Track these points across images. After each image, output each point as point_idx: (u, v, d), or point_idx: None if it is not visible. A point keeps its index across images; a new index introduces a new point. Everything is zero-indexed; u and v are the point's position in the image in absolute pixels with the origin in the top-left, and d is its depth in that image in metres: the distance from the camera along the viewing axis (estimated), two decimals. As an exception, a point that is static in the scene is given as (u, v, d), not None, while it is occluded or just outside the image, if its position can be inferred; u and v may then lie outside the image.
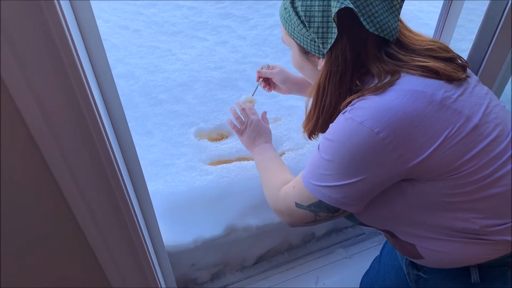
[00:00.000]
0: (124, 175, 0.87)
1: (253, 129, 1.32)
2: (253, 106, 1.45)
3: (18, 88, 0.61)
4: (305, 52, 0.94)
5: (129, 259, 0.96)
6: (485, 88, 0.90)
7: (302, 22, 0.88)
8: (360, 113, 0.79)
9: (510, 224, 0.83)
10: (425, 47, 0.88)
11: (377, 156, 0.78)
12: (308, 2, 0.85)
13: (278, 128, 1.83)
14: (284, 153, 1.69)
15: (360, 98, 0.83)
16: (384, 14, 0.84)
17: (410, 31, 0.92)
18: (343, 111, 0.84)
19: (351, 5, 0.79)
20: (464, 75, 0.86)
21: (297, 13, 0.88)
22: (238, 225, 1.52)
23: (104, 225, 0.85)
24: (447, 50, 0.91)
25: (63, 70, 0.62)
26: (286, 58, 2.39)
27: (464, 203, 0.82)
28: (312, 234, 1.78)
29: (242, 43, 2.51)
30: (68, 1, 0.70)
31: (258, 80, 1.42)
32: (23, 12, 0.55)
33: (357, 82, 0.88)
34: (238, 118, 1.36)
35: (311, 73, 0.99)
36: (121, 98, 2.04)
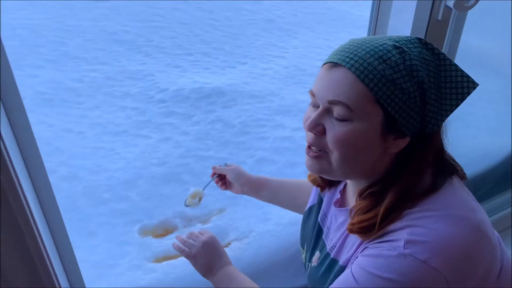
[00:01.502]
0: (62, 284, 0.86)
1: (208, 251, 1.15)
2: (200, 199, 1.42)
3: None
4: (390, 128, 0.76)
5: None
6: None
7: (422, 98, 0.74)
8: (421, 249, 0.70)
9: None
10: None
11: None
12: (436, 77, 0.76)
13: (223, 219, 1.85)
14: (230, 243, 1.70)
15: (412, 214, 0.75)
16: None
17: None
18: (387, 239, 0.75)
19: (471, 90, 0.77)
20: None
21: (420, 86, 0.74)
22: (186, 323, 1.47)
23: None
24: None
25: None
26: (228, 150, 2.47)
27: None
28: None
29: (186, 138, 2.59)
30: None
31: (212, 176, 1.38)
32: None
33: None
34: (185, 241, 1.22)
35: (366, 157, 0.80)
36: (64, 200, 2.03)
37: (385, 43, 0.75)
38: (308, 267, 1.02)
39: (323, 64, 0.81)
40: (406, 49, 0.75)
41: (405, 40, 0.77)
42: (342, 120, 0.75)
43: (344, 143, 0.76)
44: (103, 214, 1.90)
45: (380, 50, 0.74)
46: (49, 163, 2.26)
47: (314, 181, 1.05)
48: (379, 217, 0.76)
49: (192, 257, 1.16)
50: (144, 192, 2.05)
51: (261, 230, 1.75)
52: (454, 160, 0.88)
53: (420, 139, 0.78)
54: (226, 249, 1.54)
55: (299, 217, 1.21)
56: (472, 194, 0.86)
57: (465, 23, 1.21)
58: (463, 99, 0.77)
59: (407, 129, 0.75)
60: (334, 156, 0.79)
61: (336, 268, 0.87)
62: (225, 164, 1.38)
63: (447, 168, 0.83)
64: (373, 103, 0.73)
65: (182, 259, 1.60)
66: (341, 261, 0.86)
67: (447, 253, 0.70)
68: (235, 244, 1.68)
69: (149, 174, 2.19)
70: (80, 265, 1.56)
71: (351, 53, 0.76)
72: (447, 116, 0.78)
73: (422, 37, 1.10)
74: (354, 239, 0.83)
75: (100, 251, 1.67)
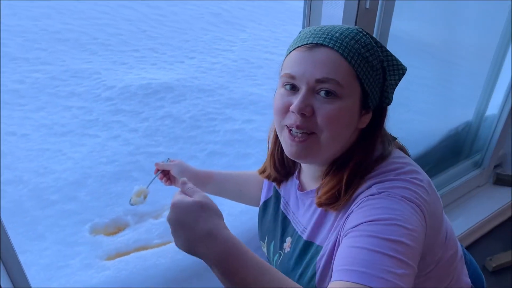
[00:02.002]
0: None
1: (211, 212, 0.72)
2: (146, 197, 1.39)
3: None
4: (363, 104, 0.81)
5: None
6: None
7: (386, 71, 0.82)
8: (394, 191, 0.75)
9: None
10: None
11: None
12: (392, 61, 0.84)
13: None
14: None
15: (375, 178, 0.79)
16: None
17: None
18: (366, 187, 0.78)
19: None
20: None
21: (382, 62, 0.81)
22: (141, 317, 1.48)
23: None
24: None
25: None
26: (178, 146, 2.47)
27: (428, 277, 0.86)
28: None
29: (134, 135, 2.56)
30: None
31: (155, 172, 1.32)
32: None
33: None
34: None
35: (347, 134, 0.83)
36: (8, 205, 1.97)
37: (349, 28, 0.81)
38: (278, 257, 1.02)
39: (297, 47, 0.81)
40: (366, 33, 0.81)
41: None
42: (331, 98, 0.77)
43: (336, 120, 0.78)
44: (51, 216, 1.86)
45: (351, 32, 0.79)
46: (-9, 167, 2.20)
47: (269, 177, 1.06)
48: (343, 183, 0.80)
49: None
50: (93, 191, 2.02)
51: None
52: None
53: (378, 113, 0.83)
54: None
55: (250, 207, 1.24)
56: None
57: (394, 10, 1.27)
58: (399, 79, 0.84)
59: (373, 104, 0.81)
60: (324, 136, 0.79)
61: (313, 249, 0.88)
62: (168, 159, 1.36)
63: (389, 137, 0.88)
64: (355, 79, 0.77)
65: (135, 254, 1.61)
66: (318, 241, 0.87)
67: (417, 189, 0.75)
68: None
69: (98, 173, 2.16)
70: (30, 268, 1.54)
71: (328, 35, 0.78)
72: (393, 93, 0.84)
73: (353, 25, 1.15)
74: (327, 218, 0.86)
75: (50, 253, 1.64)
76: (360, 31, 0.80)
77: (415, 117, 2.15)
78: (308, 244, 0.89)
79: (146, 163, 2.25)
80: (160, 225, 1.74)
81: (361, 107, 0.80)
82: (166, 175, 1.31)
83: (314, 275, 0.84)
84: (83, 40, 4.19)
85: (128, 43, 4.18)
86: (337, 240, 0.79)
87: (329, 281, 0.71)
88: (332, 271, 0.72)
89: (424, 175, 0.82)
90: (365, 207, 0.74)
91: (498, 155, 2.32)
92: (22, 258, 0.98)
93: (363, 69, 0.77)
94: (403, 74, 0.83)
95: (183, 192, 0.75)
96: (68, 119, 2.79)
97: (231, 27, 4.79)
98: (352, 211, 0.77)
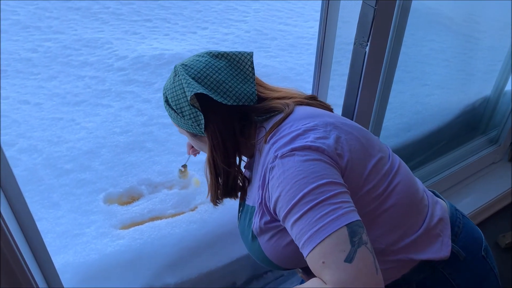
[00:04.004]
0: (26, 257, 0.85)
1: None
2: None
3: None
4: (194, 135, 1.04)
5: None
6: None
7: (178, 114, 0.99)
8: (286, 145, 0.87)
9: (409, 241, 0.92)
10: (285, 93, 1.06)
11: (320, 158, 0.84)
12: (175, 97, 0.98)
13: (189, 184, 1.87)
14: (196, 207, 1.72)
15: (268, 144, 0.93)
16: (238, 86, 0.97)
17: (266, 87, 1.07)
18: (266, 164, 0.90)
19: (200, 90, 0.92)
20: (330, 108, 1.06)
21: (172, 108, 1.00)
22: (155, 286, 1.50)
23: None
24: (303, 93, 1.10)
25: None
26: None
27: (370, 222, 0.89)
28: (233, 283, 1.79)
29: (147, 106, 2.55)
30: None
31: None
32: None
33: (244, 138, 1.01)
34: None
35: (205, 149, 1.06)
36: (24, 173, 1.99)
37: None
38: (239, 225, 1.11)
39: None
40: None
41: None
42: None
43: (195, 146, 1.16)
44: (66, 184, 1.87)
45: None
46: (7, 136, 2.21)
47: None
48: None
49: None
50: (107, 161, 2.02)
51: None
52: None
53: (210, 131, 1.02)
54: (192, 213, 1.57)
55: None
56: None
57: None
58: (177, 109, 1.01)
59: (197, 132, 1.03)
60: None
61: (250, 210, 1.01)
62: None
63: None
64: (178, 126, 1.09)
65: (149, 224, 1.62)
66: (251, 203, 1.02)
67: (305, 138, 0.87)
68: (202, 207, 1.70)
69: (111, 143, 2.16)
70: (46, 236, 1.56)
71: None
72: (200, 115, 0.98)
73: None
74: (254, 179, 1.01)
75: (65, 221, 1.66)
76: (164, 88, 1.03)
77: (432, 91, 2.11)
78: (246, 208, 1.04)
79: (159, 134, 2.25)
80: (174, 195, 1.75)
81: (193, 137, 1.05)
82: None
83: (252, 233, 0.98)
84: (94, 8, 4.15)
85: (140, 13, 4.13)
86: (262, 197, 0.91)
87: (264, 236, 0.94)
88: (263, 225, 0.92)
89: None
90: (274, 182, 0.85)
91: (515, 131, 2.29)
92: (38, 226, 0.99)
93: (173, 120, 1.04)
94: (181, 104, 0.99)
95: None
96: (81, 89, 2.79)
97: (244, -3, 4.70)
98: (267, 177, 0.88)
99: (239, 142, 1.00)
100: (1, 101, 2.67)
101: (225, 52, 1.01)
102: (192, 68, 0.97)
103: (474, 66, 2.27)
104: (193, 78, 0.95)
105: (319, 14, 1.31)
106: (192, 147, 1.41)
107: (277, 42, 3.66)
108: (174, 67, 1.01)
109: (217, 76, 0.96)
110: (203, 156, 1.09)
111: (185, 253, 1.55)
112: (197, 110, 0.95)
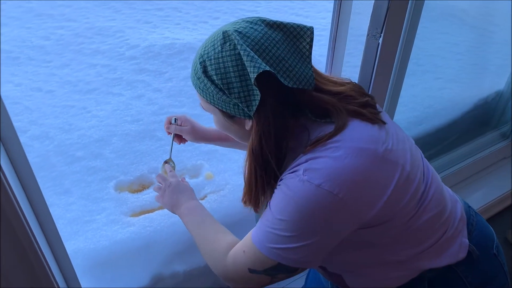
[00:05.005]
0: (39, 239, 0.86)
1: (173, 191, 1.18)
2: (174, 168, 1.39)
3: None
4: (230, 116, 0.89)
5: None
6: (397, 126, 0.97)
7: (220, 89, 0.82)
8: (317, 175, 0.78)
9: (431, 249, 0.91)
10: (343, 94, 0.90)
11: (337, 214, 0.79)
12: (223, 70, 0.81)
13: (200, 174, 1.88)
14: (206, 196, 1.73)
15: (308, 154, 0.82)
16: (298, 65, 0.82)
17: (321, 75, 0.93)
18: (292, 170, 0.82)
19: (268, 68, 0.76)
20: (381, 118, 0.91)
21: (213, 82, 0.83)
22: (164, 273, 1.52)
23: None
24: (361, 91, 0.94)
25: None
26: (202, 106, 2.46)
27: (396, 240, 0.89)
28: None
29: (158, 95, 2.56)
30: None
31: (173, 138, 1.35)
32: None
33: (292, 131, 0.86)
34: (157, 188, 1.26)
35: (238, 133, 0.94)
36: (36, 159, 2.01)
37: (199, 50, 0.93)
38: None
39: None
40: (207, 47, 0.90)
41: None
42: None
43: (220, 127, 1.02)
44: (77, 172, 1.89)
45: (194, 61, 0.92)
46: (19, 122, 2.24)
47: None
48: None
49: (161, 197, 1.22)
50: (118, 149, 2.04)
51: (236, 182, 1.79)
52: None
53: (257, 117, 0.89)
54: (202, 202, 1.58)
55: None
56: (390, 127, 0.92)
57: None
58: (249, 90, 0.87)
59: (236, 113, 0.90)
60: None
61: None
62: (174, 118, 1.32)
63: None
64: (208, 103, 0.92)
65: (159, 212, 1.63)
66: None
67: (341, 177, 0.78)
68: (211, 197, 1.71)
69: (122, 131, 2.18)
70: (57, 221, 1.58)
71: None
72: (256, 95, 0.84)
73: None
74: None
75: (76, 208, 1.68)
76: (201, 56, 0.85)
77: (444, 85, 2.10)
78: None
79: (170, 123, 2.26)
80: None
81: (228, 118, 0.90)
82: (179, 137, 1.35)
83: None
84: (107, -4, 4.15)
85: (151, 2, 4.12)
86: None
87: None
88: None
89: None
90: (282, 191, 0.83)
91: (527, 126, 2.27)
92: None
93: (204, 95, 0.88)
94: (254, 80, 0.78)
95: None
96: (93, 77, 2.80)
97: (256, -13, 4.67)
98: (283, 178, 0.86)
99: (289, 132, 0.85)
100: (13, 88, 2.69)
101: (281, 23, 0.84)
102: (249, 38, 0.80)
103: (487, 60, 2.25)
104: (251, 50, 0.79)
105: (331, 4, 1.30)
106: (171, 123, 1.31)
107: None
108: (223, 32, 0.82)
109: (276, 51, 0.80)
110: (210, 147, 1.06)
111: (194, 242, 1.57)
112: (254, 89, 0.79)
